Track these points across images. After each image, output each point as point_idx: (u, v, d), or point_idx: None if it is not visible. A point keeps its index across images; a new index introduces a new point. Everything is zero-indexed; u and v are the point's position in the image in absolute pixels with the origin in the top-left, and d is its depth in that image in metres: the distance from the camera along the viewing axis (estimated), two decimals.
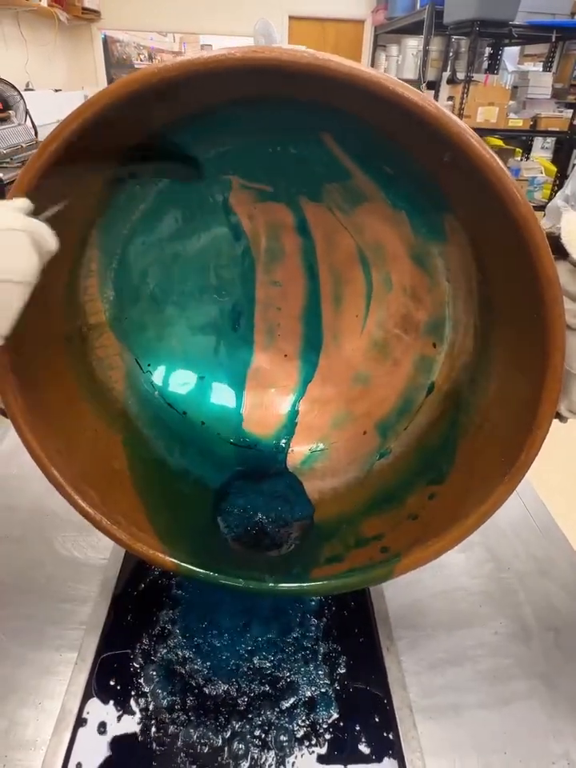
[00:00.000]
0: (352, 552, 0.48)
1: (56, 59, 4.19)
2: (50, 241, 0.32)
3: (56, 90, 3.80)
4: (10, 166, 2.13)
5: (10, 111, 2.63)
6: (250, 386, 0.65)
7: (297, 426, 0.63)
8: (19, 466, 0.73)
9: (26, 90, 3.26)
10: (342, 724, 0.44)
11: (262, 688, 0.46)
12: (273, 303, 0.62)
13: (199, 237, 0.58)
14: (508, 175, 0.34)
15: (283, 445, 0.62)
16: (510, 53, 4.32)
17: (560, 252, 0.40)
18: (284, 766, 0.41)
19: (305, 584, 0.46)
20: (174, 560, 0.46)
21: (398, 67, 4.39)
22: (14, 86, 2.71)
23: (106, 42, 4.82)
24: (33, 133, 2.67)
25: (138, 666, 0.48)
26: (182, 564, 0.46)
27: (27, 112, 2.73)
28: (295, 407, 0.64)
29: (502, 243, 0.38)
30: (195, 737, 0.42)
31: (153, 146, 0.45)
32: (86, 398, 0.52)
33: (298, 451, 0.62)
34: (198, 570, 0.46)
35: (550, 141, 4.26)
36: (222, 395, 0.64)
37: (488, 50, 3.91)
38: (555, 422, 0.39)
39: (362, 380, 0.62)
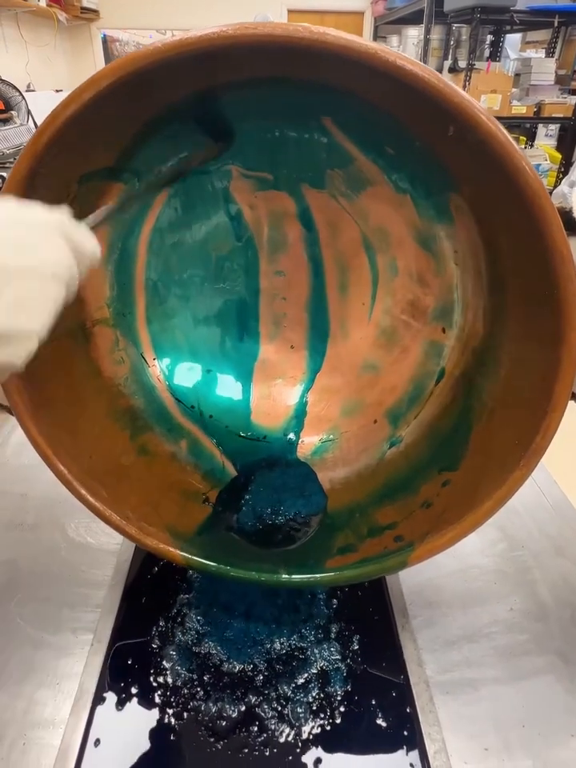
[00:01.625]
0: (365, 542, 0.48)
1: (56, 59, 4.20)
2: (89, 244, 0.31)
3: (57, 91, 3.80)
4: None
5: (13, 112, 2.64)
6: (257, 377, 0.64)
7: (306, 417, 0.63)
8: (30, 456, 0.73)
9: (27, 90, 3.27)
10: (356, 698, 0.44)
11: (278, 665, 0.46)
12: (278, 293, 0.62)
13: (200, 228, 0.57)
14: (515, 146, 0.33)
15: (293, 436, 0.62)
16: (512, 40, 4.27)
17: (571, 228, 0.39)
18: (300, 737, 0.41)
19: (318, 575, 0.45)
20: (183, 554, 0.46)
21: None
22: (15, 87, 2.72)
23: (106, 41, 4.82)
24: None
25: (154, 646, 0.48)
26: (193, 558, 0.46)
27: (29, 112, 2.74)
28: (304, 398, 0.64)
29: (512, 219, 0.37)
30: (213, 711, 0.42)
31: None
32: (92, 394, 0.52)
33: (308, 442, 0.61)
34: (208, 563, 0.46)
35: (554, 128, 4.21)
36: (229, 388, 0.64)
37: (489, 38, 3.87)
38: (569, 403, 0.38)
39: (370, 368, 0.61)
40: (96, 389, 0.53)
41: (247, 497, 0.56)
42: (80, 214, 0.46)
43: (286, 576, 0.45)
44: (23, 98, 2.74)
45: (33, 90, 3.49)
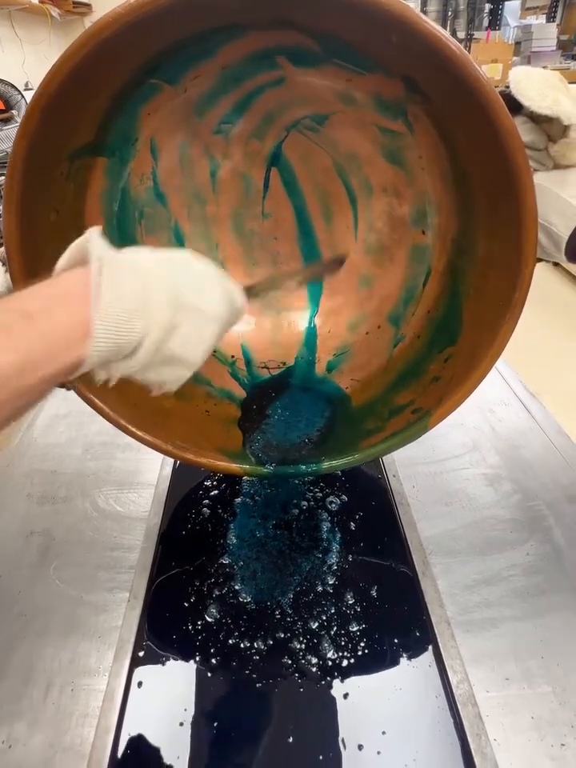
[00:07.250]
0: (390, 421, 0.54)
1: (52, 56, 4.18)
2: (240, 299, 0.36)
3: None
4: None
5: (13, 111, 2.67)
6: (267, 313, 0.69)
7: (318, 338, 0.68)
8: (57, 435, 0.76)
9: (25, 89, 3.28)
10: (379, 636, 0.47)
11: (304, 610, 0.49)
12: (268, 234, 0.66)
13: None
14: (452, 41, 0.36)
15: (310, 358, 0.67)
16: (511, 7, 4.18)
17: (514, 107, 0.42)
18: (328, 670, 0.44)
19: (356, 455, 0.53)
20: (237, 465, 0.53)
21: None
22: (14, 86, 2.74)
23: None
24: None
25: (190, 599, 0.51)
26: (245, 466, 0.53)
27: None
28: (312, 322, 0.69)
29: (462, 110, 0.41)
30: (245, 647, 0.45)
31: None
32: None
33: (324, 359, 0.67)
34: (261, 468, 0.53)
35: None
36: (244, 327, 0.68)
37: (488, 6, 3.79)
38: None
39: (366, 282, 0.66)
40: None
41: (275, 404, 0.62)
42: (75, 192, 0.50)
43: (328, 463, 0.53)
44: (22, 96, 2.76)
45: (31, 89, 3.50)
